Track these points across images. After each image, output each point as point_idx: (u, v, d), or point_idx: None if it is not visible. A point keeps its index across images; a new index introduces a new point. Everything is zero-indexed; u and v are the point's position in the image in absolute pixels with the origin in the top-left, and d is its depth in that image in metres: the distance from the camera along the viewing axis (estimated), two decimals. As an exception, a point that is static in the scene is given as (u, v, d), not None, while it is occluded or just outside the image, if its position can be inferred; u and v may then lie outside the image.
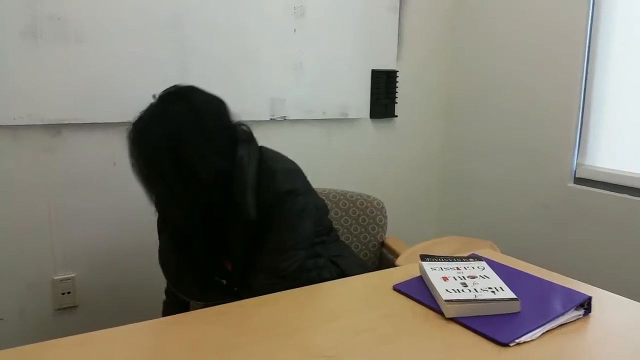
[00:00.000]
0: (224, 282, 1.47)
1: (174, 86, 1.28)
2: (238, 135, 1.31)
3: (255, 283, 1.31)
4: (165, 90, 1.26)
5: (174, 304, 1.49)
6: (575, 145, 2.17)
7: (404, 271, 1.27)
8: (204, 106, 1.27)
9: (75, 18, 1.80)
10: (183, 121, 1.21)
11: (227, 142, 1.27)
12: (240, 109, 2.11)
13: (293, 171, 1.38)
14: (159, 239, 1.43)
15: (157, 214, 1.39)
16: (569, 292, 1.12)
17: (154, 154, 1.20)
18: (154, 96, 1.24)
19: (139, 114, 1.22)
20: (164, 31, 1.95)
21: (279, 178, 1.31)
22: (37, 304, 1.89)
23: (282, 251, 1.32)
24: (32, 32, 1.74)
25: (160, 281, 2.06)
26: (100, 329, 0.97)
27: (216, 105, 1.30)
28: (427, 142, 2.68)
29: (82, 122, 1.86)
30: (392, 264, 1.70)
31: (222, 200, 1.26)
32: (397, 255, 1.78)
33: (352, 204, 1.87)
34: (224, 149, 1.26)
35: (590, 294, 1.08)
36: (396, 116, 2.54)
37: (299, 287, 1.18)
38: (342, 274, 1.41)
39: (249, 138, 1.33)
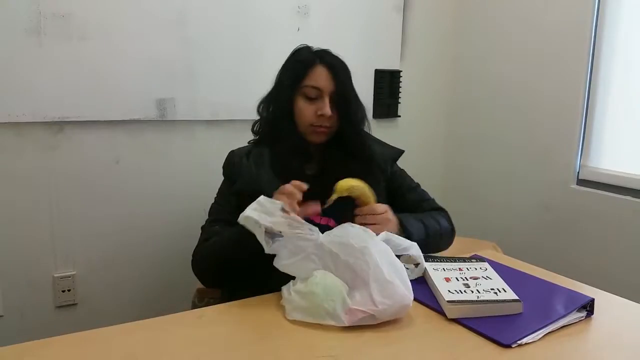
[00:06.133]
0: None
1: None
2: None
3: None
4: None
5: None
6: (578, 146, 2.16)
7: (405, 271, 1.27)
8: None
9: (79, 15, 1.80)
10: None
11: None
12: (244, 107, 2.12)
13: None
14: None
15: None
16: (572, 294, 1.12)
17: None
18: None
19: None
20: (169, 29, 1.95)
21: None
22: (37, 301, 1.88)
23: None
24: (36, 30, 1.74)
25: (159, 279, 2.06)
26: (100, 326, 0.97)
27: None
28: (430, 143, 2.68)
29: (84, 119, 1.86)
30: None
31: None
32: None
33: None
34: None
35: (592, 296, 1.08)
36: (399, 116, 2.54)
37: None
38: None
39: None
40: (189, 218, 2.05)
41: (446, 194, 2.64)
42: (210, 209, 1.41)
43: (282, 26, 2.16)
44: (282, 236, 1.07)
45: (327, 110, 1.31)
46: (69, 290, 1.92)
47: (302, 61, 1.36)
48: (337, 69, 1.36)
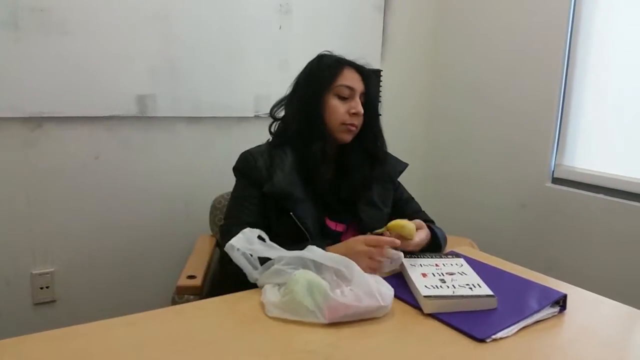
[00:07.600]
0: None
1: None
2: None
3: None
4: None
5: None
6: (554, 146, 2.20)
7: (384, 268, 1.28)
8: None
9: (58, 9, 1.78)
10: None
11: None
12: (225, 105, 2.13)
13: None
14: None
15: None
16: (545, 290, 1.14)
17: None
18: None
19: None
20: (150, 25, 1.94)
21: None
22: (15, 298, 1.87)
23: None
24: (14, 23, 1.72)
25: (138, 276, 2.05)
26: (79, 323, 0.97)
27: None
28: (409, 142, 2.70)
29: (64, 115, 1.84)
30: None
31: None
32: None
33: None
34: None
35: (565, 292, 1.11)
36: (380, 114, 2.55)
37: None
38: None
39: None
40: (169, 214, 2.05)
41: (424, 192, 2.67)
42: (230, 210, 1.35)
43: (263, 24, 2.16)
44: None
45: (360, 108, 1.37)
46: (47, 287, 1.91)
47: (333, 62, 1.40)
48: (367, 72, 1.43)
